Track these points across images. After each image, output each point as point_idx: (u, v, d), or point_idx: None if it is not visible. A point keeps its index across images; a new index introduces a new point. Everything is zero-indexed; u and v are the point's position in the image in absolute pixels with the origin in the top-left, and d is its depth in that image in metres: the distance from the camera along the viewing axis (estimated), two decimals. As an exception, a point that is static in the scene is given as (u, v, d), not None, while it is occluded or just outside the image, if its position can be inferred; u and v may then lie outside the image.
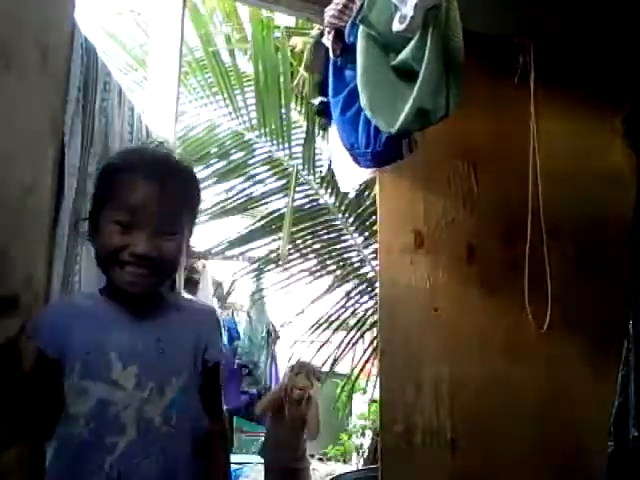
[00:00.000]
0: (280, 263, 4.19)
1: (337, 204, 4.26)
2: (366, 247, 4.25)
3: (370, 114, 1.77)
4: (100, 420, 1.12)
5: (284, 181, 4.26)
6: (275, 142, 4.22)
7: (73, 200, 1.58)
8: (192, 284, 5.04)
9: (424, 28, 1.54)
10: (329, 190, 4.23)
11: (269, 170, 4.33)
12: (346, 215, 4.25)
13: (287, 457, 4.11)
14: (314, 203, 4.32)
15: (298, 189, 4.21)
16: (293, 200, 4.08)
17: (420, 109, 1.59)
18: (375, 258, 3.63)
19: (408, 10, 1.50)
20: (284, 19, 3.94)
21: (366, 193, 4.07)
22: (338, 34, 1.97)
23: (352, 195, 4.03)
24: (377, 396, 2.99)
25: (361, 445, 7.90)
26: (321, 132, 3.61)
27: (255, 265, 4.44)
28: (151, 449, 1.14)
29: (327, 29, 2.01)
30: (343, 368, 5.01)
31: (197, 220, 1.32)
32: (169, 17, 2.69)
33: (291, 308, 4.86)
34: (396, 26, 1.56)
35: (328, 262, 4.34)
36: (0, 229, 1.25)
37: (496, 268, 2.47)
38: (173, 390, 1.18)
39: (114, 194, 1.18)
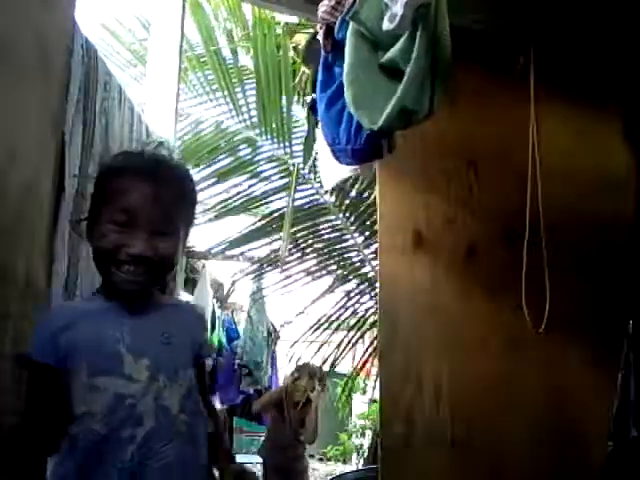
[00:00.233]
0: (280, 263, 4.18)
1: (337, 204, 4.25)
2: (366, 247, 4.25)
3: (354, 110, 1.76)
4: (117, 414, 1.13)
5: (285, 180, 4.26)
6: (276, 141, 4.22)
7: (73, 200, 1.58)
8: (192, 284, 5.05)
9: (413, 27, 1.53)
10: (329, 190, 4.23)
11: (270, 169, 4.33)
12: (346, 215, 4.25)
13: (287, 457, 4.11)
14: (315, 203, 4.32)
15: (299, 189, 4.21)
16: (294, 200, 4.08)
17: (403, 109, 1.59)
18: (375, 258, 3.63)
19: (398, 8, 1.50)
20: (286, 16, 3.93)
21: (366, 193, 4.07)
22: (329, 30, 1.96)
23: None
24: (377, 396, 2.99)
25: (361, 445, 7.91)
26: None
27: (255, 265, 4.44)
28: (172, 435, 1.16)
29: (319, 25, 2.01)
30: (343, 368, 5.02)
31: (194, 220, 1.34)
32: (170, 13, 2.69)
33: (291, 308, 4.87)
34: (386, 25, 1.56)
35: (328, 262, 4.34)
36: (0, 229, 1.25)
37: (496, 268, 2.47)
38: (185, 380, 1.21)
39: (111, 195, 1.20)
